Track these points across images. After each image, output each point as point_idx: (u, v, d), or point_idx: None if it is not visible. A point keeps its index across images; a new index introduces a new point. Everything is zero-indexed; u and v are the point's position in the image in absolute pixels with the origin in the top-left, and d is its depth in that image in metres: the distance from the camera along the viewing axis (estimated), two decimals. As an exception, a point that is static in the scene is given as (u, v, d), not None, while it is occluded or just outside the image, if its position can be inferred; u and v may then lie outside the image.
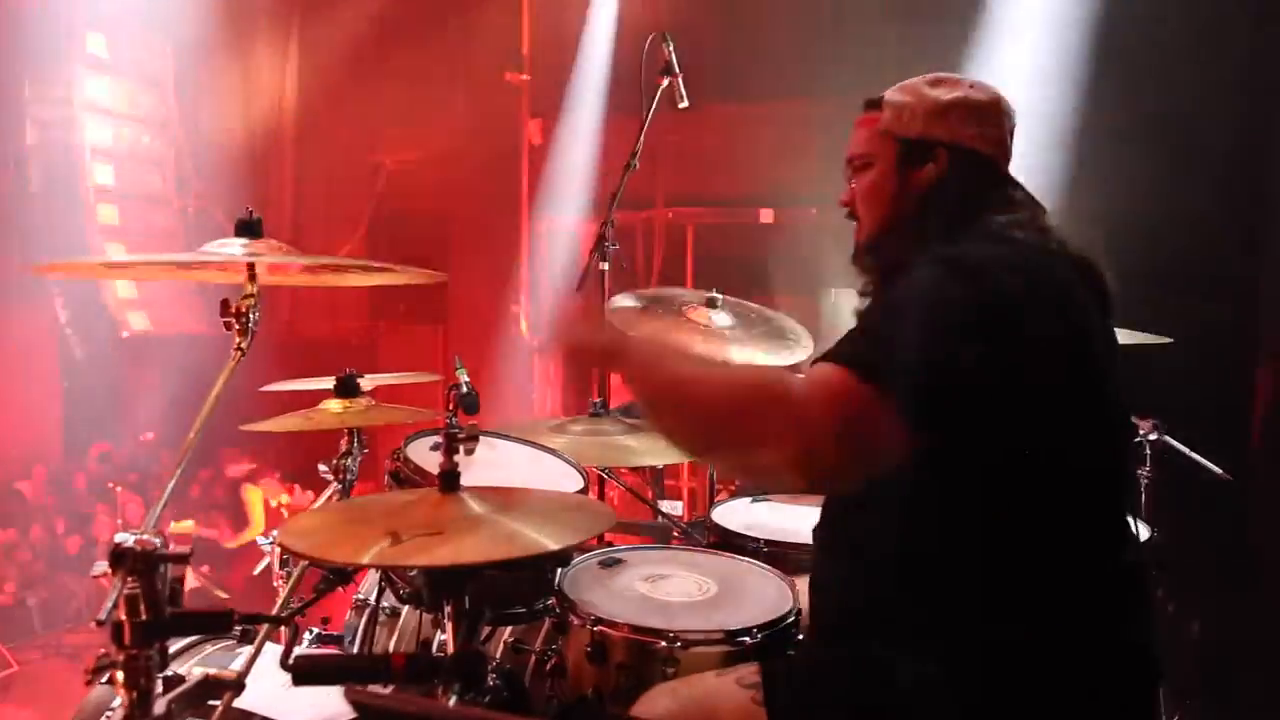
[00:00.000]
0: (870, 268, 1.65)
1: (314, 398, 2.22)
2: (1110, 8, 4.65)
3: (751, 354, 2.65)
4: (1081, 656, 1.33)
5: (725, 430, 1.34)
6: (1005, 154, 1.59)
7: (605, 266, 2.87)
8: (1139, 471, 2.81)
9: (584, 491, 2.04)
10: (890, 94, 1.61)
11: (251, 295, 1.47)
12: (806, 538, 2.14)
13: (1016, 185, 1.57)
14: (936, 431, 1.24)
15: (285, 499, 5.80)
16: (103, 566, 1.13)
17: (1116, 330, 1.52)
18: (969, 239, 1.45)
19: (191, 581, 4.71)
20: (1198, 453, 2.86)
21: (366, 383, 2.25)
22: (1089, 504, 1.40)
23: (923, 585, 1.38)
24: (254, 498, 5.69)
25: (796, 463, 1.25)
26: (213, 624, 1.23)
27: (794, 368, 1.31)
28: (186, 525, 5.41)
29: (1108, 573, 1.41)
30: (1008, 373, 1.28)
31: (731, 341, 2.70)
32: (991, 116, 1.57)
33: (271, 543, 2.30)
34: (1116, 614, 1.40)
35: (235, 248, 1.53)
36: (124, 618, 1.12)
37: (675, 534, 2.72)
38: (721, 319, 2.75)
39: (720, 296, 2.76)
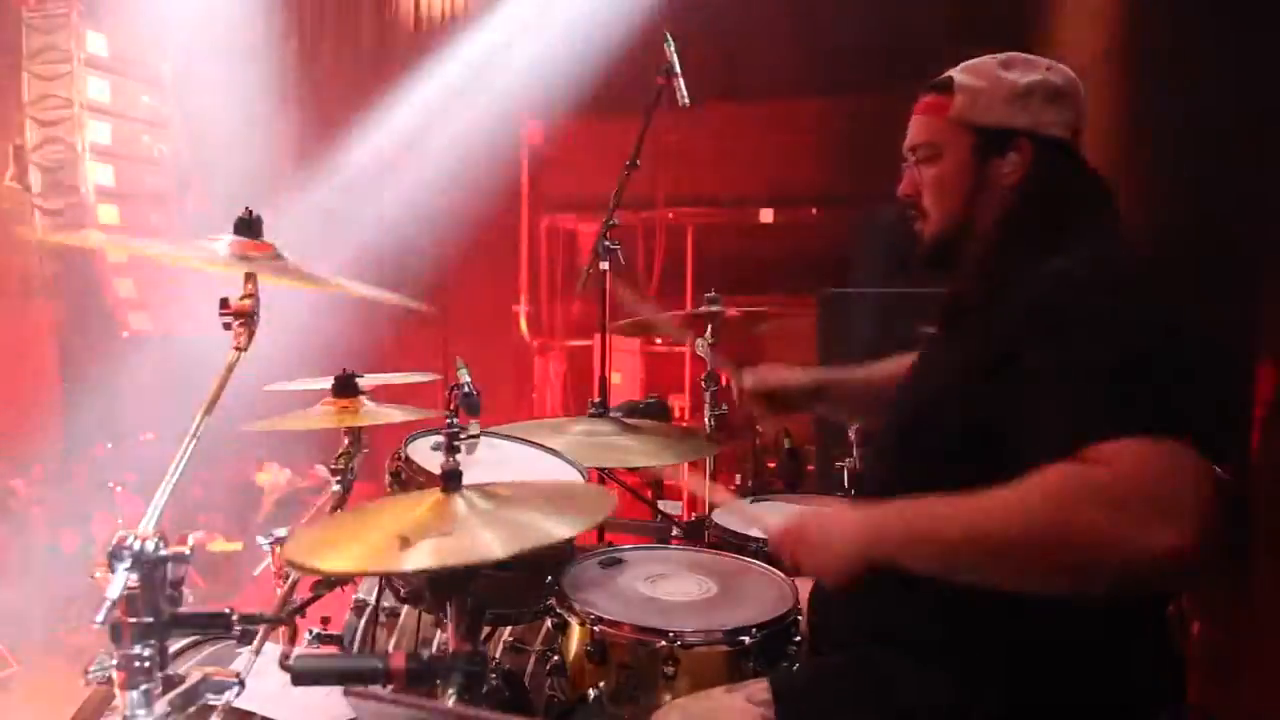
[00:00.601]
0: (943, 265, 1.55)
1: (314, 397, 2.22)
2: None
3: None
4: (1098, 672, 1.32)
5: (1044, 559, 1.14)
6: (1081, 137, 1.49)
7: (605, 266, 2.87)
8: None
9: (584, 491, 2.03)
10: (961, 77, 1.49)
11: (251, 294, 1.47)
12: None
13: (1095, 174, 1.48)
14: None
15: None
16: (103, 566, 1.13)
17: None
18: (1086, 242, 1.36)
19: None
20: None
21: (366, 382, 2.24)
22: None
23: (939, 601, 1.37)
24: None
25: (1159, 567, 1.07)
26: (212, 624, 1.23)
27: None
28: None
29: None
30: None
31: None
32: (1070, 100, 1.47)
33: (271, 543, 2.30)
34: (1132, 630, 1.38)
35: (228, 252, 1.52)
36: (124, 618, 1.12)
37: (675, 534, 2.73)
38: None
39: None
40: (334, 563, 1.37)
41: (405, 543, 1.34)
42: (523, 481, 1.74)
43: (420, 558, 1.33)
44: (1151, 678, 1.39)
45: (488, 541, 1.35)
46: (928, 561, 1.24)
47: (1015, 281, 1.35)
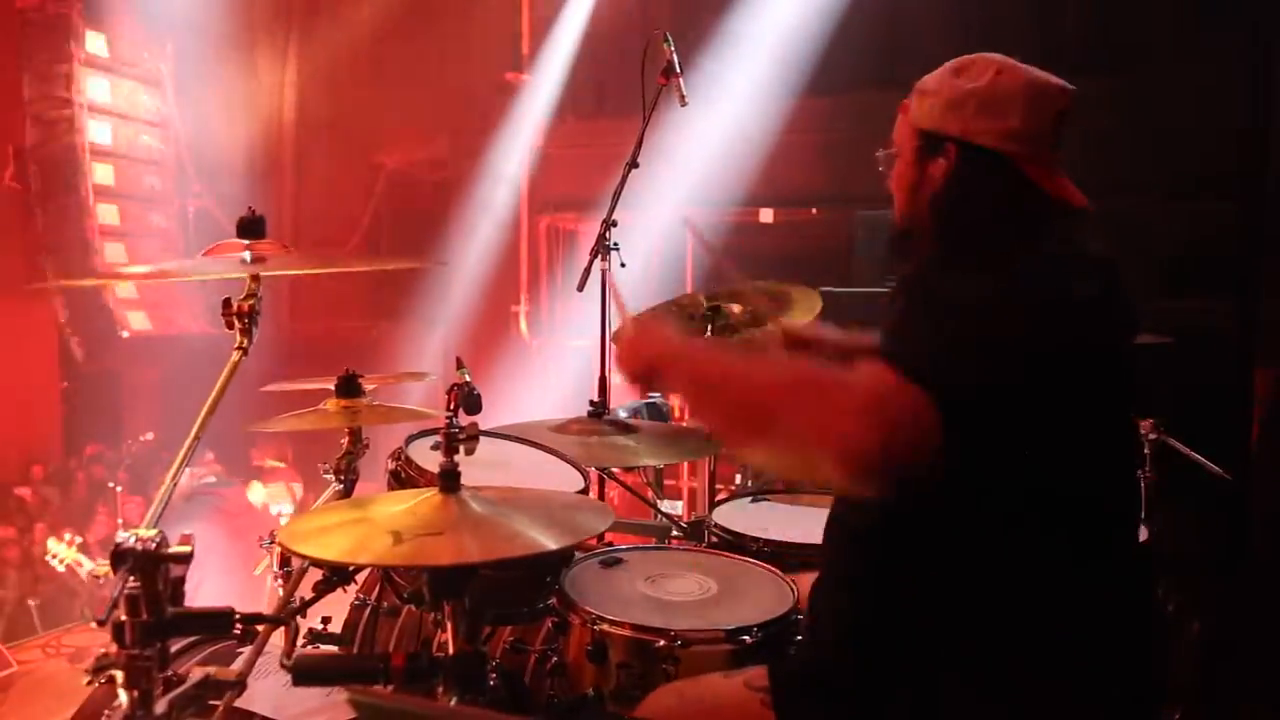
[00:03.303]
0: (899, 255, 1.64)
1: (314, 398, 2.22)
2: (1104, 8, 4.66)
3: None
4: (1087, 668, 1.33)
5: (768, 421, 1.31)
6: (1032, 147, 1.46)
7: (605, 266, 2.87)
8: (1139, 472, 2.80)
9: (584, 491, 2.04)
10: (922, 81, 1.54)
11: (254, 295, 1.47)
12: (806, 538, 2.15)
13: (1034, 187, 1.45)
14: (971, 443, 1.22)
15: (289, 509, 5.70)
16: (103, 566, 1.13)
17: None
18: (990, 247, 1.42)
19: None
20: (1198, 453, 2.86)
21: (366, 382, 2.24)
22: (1099, 523, 1.38)
23: (932, 594, 1.37)
24: (255, 494, 5.67)
25: (838, 457, 1.22)
26: (213, 624, 1.23)
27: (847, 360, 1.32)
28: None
29: (1115, 590, 1.40)
30: (1043, 389, 1.27)
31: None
32: (1013, 107, 1.44)
33: (271, 543, 2.30)
34: (1121, 626, 1.38)
35: (239, 257, 1.53)
36: (125, 617, 1.12)
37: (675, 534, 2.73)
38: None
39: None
40: (324, 550, 1.38)
41: (396, 538, 1.34)
42: (526, 489, 1.74)
43: (408, 555, 1.34)
44: (1144, 692, 1.41)
45: (474, 546, 1.35)
46: (695, 398, 1.46)
47: (932, 295, 1.45)
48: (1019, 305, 1.30)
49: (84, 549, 4.88)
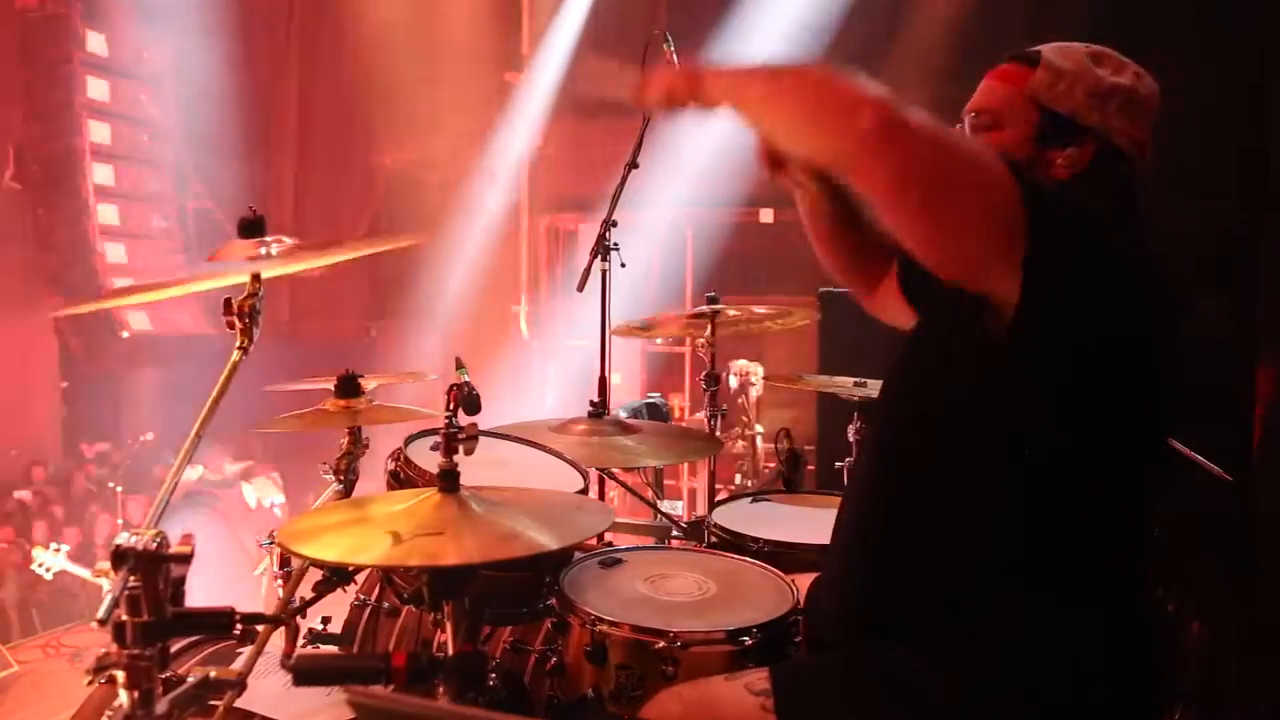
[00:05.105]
0: None
1: (315, 398, 2.22)
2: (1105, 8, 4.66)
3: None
4: (1103, 670, 1.32)
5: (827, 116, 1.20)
6: (1143, 158, 1.44)
7: (605, 266, 2.87)
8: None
9: (584, 491, 2.04)
10: (1050, 54, 1.43)
11: (254, 295, 1.47)
12: (807, 538, 2.16)
13: (1137, 199, 1.43)
14: (1035, 299, 1.20)
15: (280, 499, 5.76)
16: (104, 566, 1.13)
17: None
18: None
19: None
20: (1198, 453, 2.86)
21: (366, 382, 2.24)
22: (1127, 520, 1.39)
23: (947, 590, 1.37)
24: (248, 496, 5.71)
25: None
26: (213, 624, 1.23)
27: None
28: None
29: (1134, 586, 1.40)
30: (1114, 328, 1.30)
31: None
32: (1146, 114, 1.41)
33: (271, 543, 2.30)
34: (1141, 625, 1.38)
35: (239, 257, 1.53)
36: (126, 617, 1.12)
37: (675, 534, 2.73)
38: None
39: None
40: (324, 550, 1.38)
41: (396, 538, 1.34)
42: (526, 489, 1.74)
43: (408, 555, 1.34)
44: (1146, 681, 1.40)
45: (474, 546, 1.35)
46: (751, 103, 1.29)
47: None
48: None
49: (82, 550, 4.88)
